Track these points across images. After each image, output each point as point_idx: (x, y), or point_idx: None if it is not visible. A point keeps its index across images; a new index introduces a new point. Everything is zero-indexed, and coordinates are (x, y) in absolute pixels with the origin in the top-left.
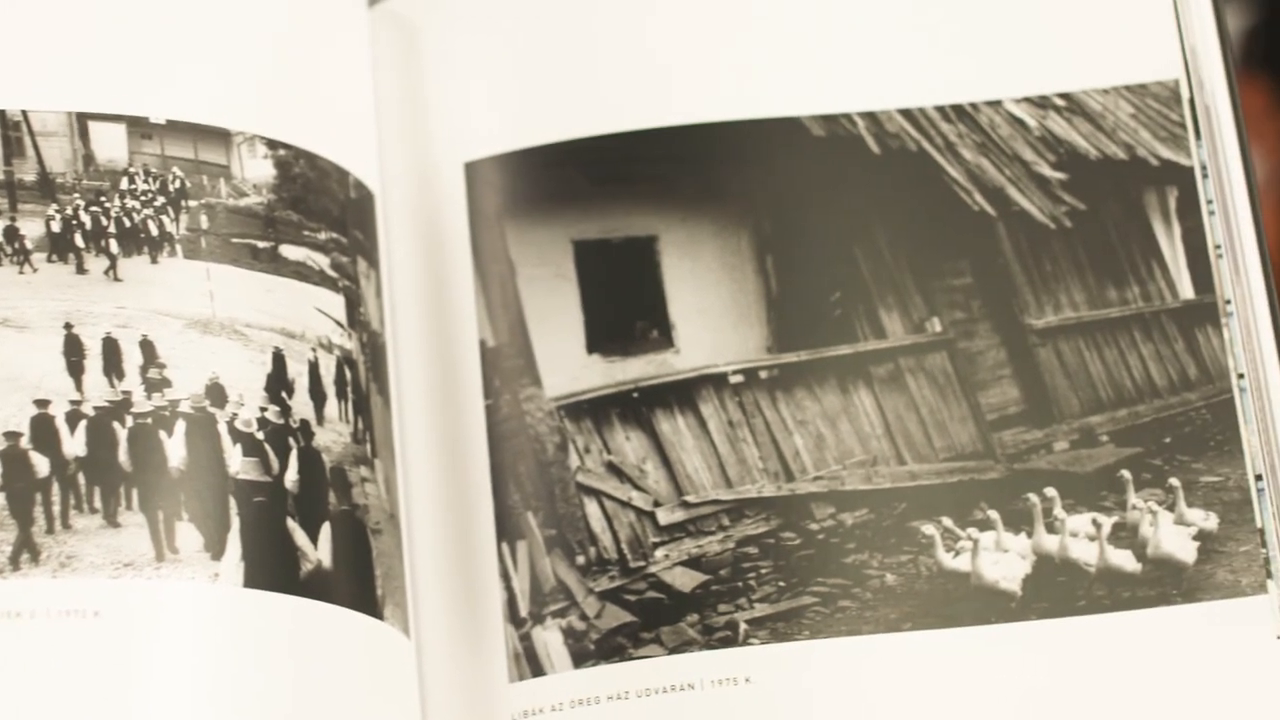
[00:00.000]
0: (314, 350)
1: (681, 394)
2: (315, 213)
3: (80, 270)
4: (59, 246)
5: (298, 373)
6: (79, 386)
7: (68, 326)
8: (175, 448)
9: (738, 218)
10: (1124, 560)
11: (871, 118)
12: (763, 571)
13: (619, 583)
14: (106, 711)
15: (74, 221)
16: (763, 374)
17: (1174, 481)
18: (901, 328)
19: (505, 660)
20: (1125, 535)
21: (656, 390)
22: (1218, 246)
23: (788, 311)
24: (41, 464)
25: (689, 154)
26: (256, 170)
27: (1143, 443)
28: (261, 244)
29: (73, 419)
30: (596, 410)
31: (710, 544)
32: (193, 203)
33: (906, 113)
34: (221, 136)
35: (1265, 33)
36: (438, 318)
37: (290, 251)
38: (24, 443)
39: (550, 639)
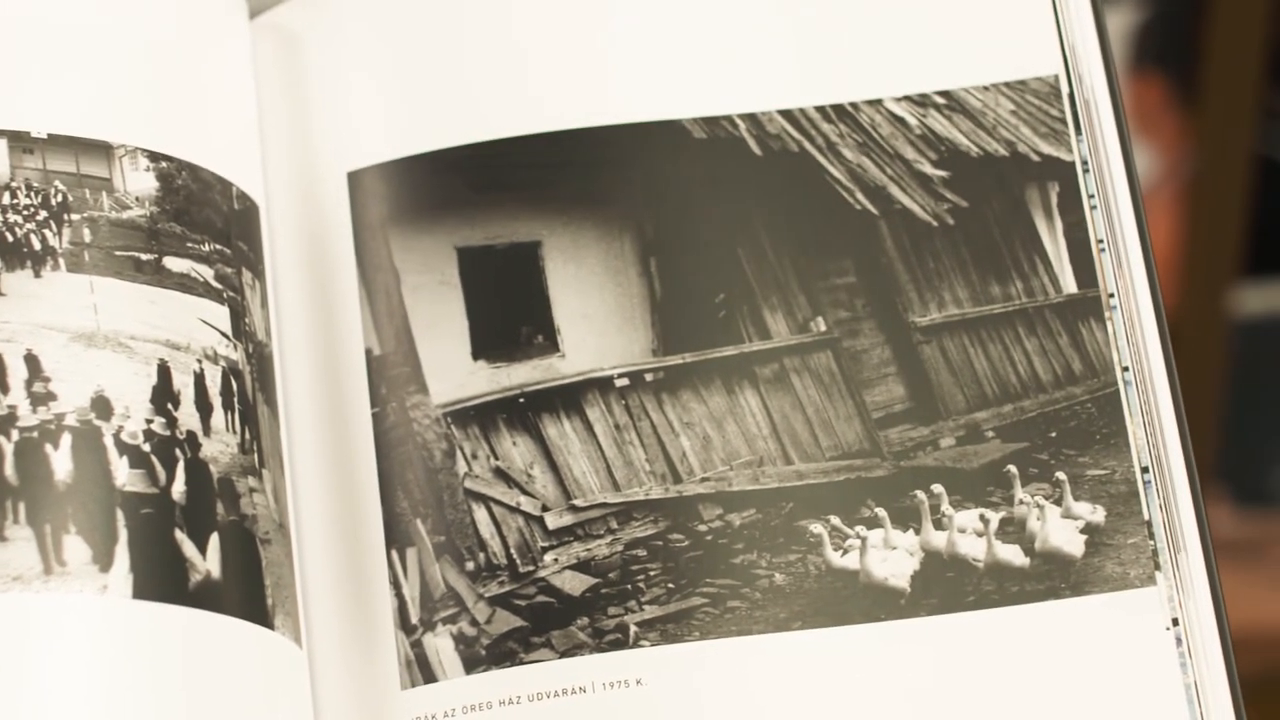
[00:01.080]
0: (199, 362)
1: (567, 398)
2: (198, 224)
3: None
4: None
5: (183, 384)
6: None
7: None
8: (61, 461)
9: (620, 222)
10: (1012, 555)
11: (752, 119)
12: (651, 574)
13: (509, 588)
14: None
15: None
16: (648, 377)
17: (1060, 475)
18: (786, 328)
19: (397, 667)
20: (1013, 530)
21: (542, 395)
22: (1100, 240)
23: (672, 314)
24: None
25: (571, 159)
26: (139, 183)
27: (1029, 438)
28: (145, 256)
29: None
30: (483, 416)
31: (599, 547)
32: (75, 216)
33: (787, 113)
34: (103, 149)
35: (1158, 29)
36: (323, 327)
37: (174, 263)
38: None
39: (441, 645)
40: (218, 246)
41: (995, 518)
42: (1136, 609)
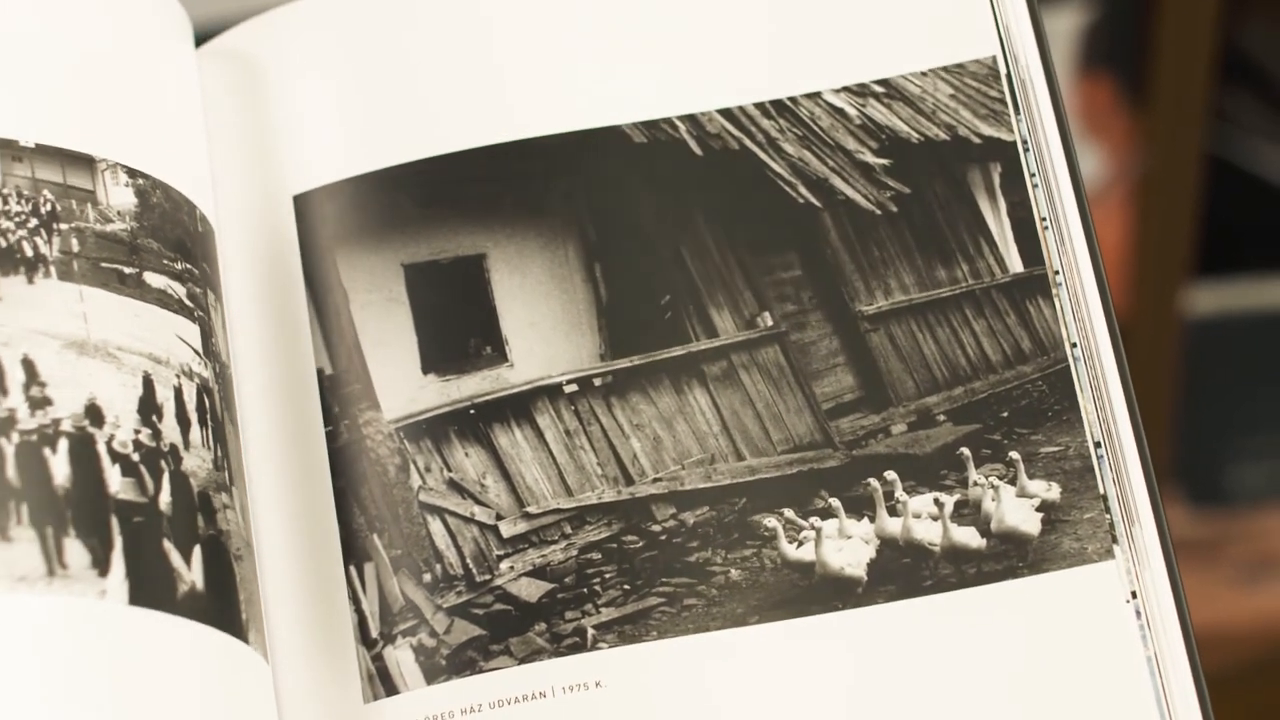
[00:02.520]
0: (178, 377)
1: (517, 407)
2: (171, 242)
3: None
4: None
5: (165, 398)
6: None
7: None
8: (60, 465)
9: (564, 229)
10: (968, 537)
11: (692, 120)
12: (607, 576)
13: (466, 597)
14: None
15: None
16: (597, 381)
17: (1014, 455)
18: (733, 325)
19: (359, 681)
20: (968, 512)
21: (493, 405)
22: (1044, 218)
23: (619, 317)
24: None
25: (512, 171)
26: (120, 197)
27: (980, 419)
28: (128, 270)
29: None
30: (435, 429)
31: (554, 553)
32: (64, 226)
33: (726, 112)
34: (87, 162)
35: (1107, 29)
36: (276, 349)
37: (152, 279)
38: None
39: (402, 657)
40: (187, 265)
41: (950, 501)
42: (1096, 583)
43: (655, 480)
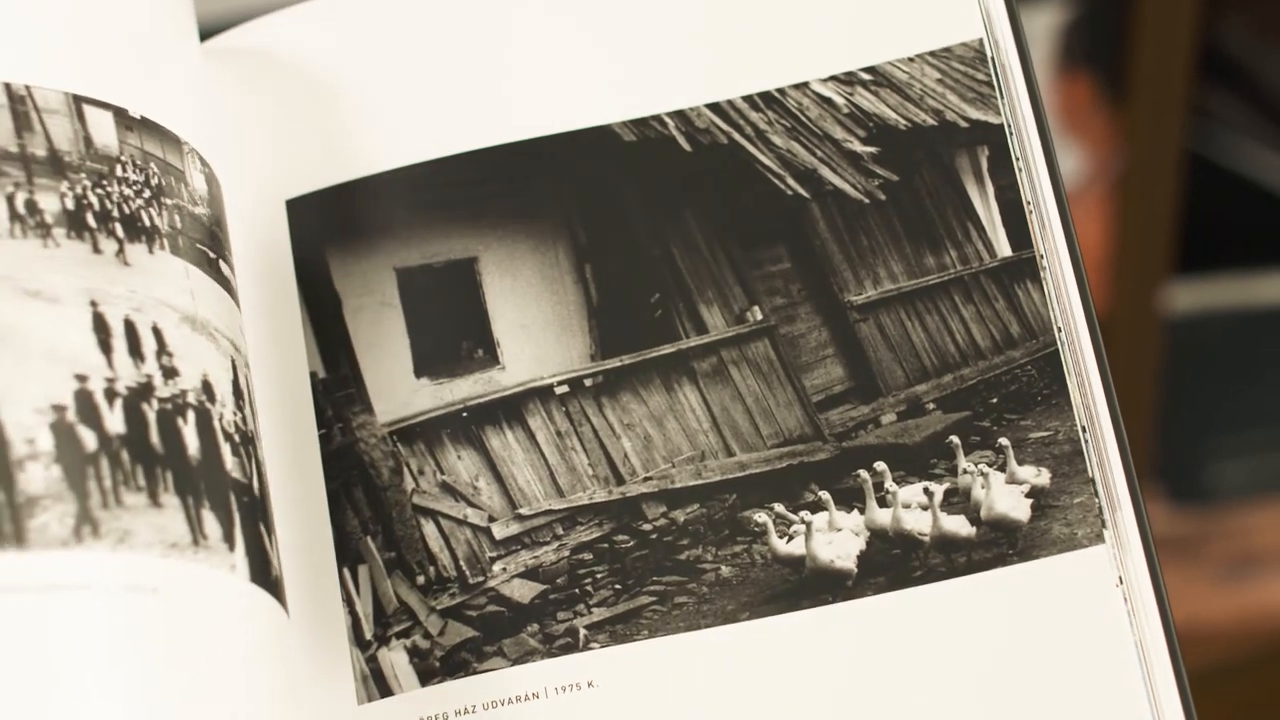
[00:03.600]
0: (245, 367)
1: (509, 410)
2: (227, 234)
3: (96, 250)
4: (74, 224)
5: (244, 386)
6: (110, 364)
7: (93, 304)
8: (190, 436)
9: (554, 231)
10: (958, 526)
11: (681, 116)
12: (599, 576)
13: (460, 599)
14: (165, 691)
15: (84, 201)
16: (587, 382)
17: (1003, 441)
18: (723, 320)
19: (353, 683)
20: (958, 501)
21: (485, 408)
22: (1029, 201)
23: (609, 318)
24: (89, 438)
25: (502, 174)
26: (199, 182)
27: (970, 406)
28: (211, 254)
29: (109, 396)
30: (428, 432)
31: (546, 554)
32: (168, 201)
33: (715, 106)
34: (176, 142)
35: (1086, 28)
36: (269, 352)
37: (223, 267)
38: (69, 416)
39: (396, 659)
40: (233, 262)
41: (939, 490)
42: (1086, 569)
43: (646, 479)
